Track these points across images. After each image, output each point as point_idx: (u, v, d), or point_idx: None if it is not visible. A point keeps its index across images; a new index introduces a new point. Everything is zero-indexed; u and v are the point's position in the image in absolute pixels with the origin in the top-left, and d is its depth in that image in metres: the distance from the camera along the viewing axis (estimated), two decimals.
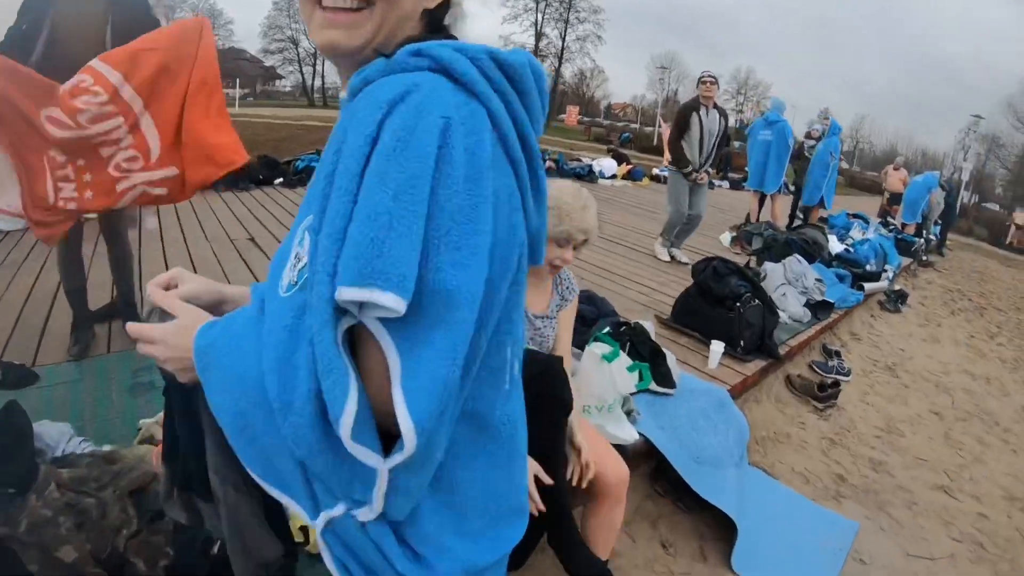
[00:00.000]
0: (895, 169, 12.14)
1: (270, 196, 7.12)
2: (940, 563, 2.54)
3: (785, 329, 4.27)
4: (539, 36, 50.94)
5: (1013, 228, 24.69)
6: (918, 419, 3.98)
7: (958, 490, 3.17)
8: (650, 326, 3.21)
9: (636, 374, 2.46)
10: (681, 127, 5.57)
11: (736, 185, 14.01)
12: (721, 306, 3.73)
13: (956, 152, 43.21)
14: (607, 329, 2.95)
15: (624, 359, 2.42)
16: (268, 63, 46.95)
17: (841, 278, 5.93)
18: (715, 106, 5.59)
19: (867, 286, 6.09)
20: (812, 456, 3.24)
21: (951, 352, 5.62)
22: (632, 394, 2.52)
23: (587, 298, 3.49)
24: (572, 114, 46.29)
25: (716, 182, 13.74)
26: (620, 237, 6.73)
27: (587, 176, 10.91)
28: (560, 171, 10.60)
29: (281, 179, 7.89)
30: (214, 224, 5.55)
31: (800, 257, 5.32)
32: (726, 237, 7.38)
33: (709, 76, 5.53)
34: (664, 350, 2.94)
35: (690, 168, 5.58)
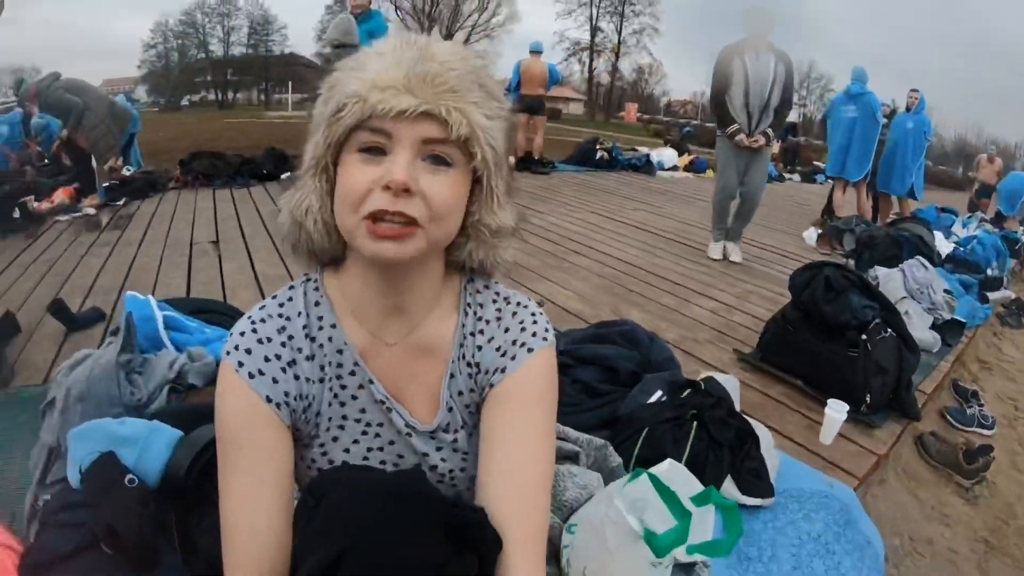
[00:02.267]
0: (989, 160, 10.92)
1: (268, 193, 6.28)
2: None
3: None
4: (594, 31, 49.94)
5: None
6: None
7: None
8: (732, 384, 2.03)
9: (710, 515, 1.20)
10: (720, 79, 4.29)
11: (808, 178, 12.67)
12: (837, 339, 2.44)
13: None
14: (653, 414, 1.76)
15: (702, 520, 1.17)
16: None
17: (967, 287, 4.44)
18: (770, 48, 4.24)
19: (991, 296, 4.63)
20: None
21: None
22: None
23: (624, 334, 2.26)
24: (631, 111, 45.08)
25: (787, 176, 12.42)
26: (678, 233, 5.48)
27: (643, 167, 9.83)
28: (614, 162, 9.71)
29: (289, 173, 7.21)
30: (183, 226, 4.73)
31: (924, 261, 3.94)
32: (811, 234, 6.02)
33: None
34: (756, 428, 1.73)
35: (735, 127, 4.27)
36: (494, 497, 0.80)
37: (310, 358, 0.83)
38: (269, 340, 0.81)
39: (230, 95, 59.26)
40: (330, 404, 0.85)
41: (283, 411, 0.81)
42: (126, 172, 7.44)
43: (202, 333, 2.08)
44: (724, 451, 1.66)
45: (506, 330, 0.87)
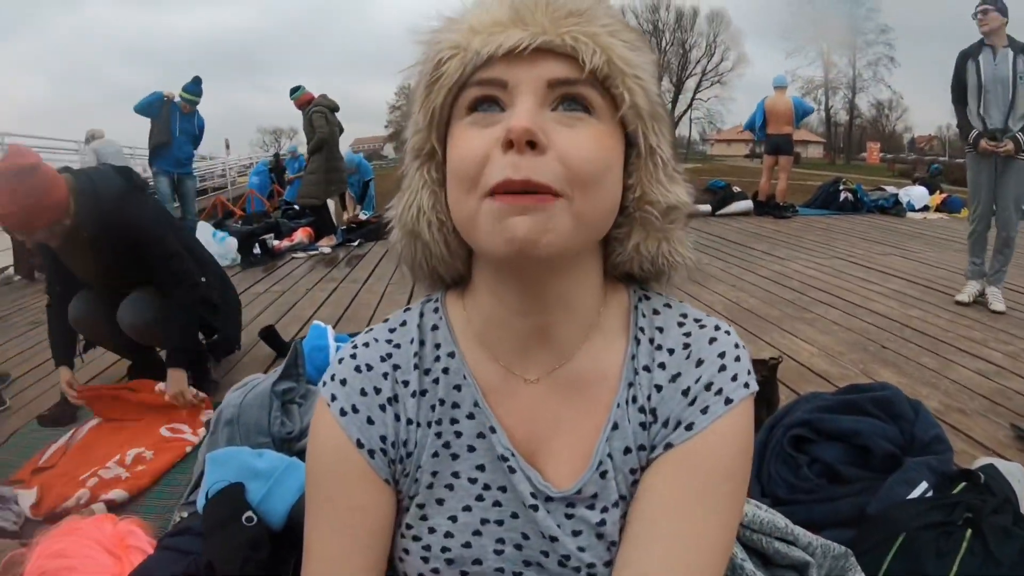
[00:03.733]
0: None
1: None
2: None
3: None
4: (827, 66, 47.21)
5: None
6: None
7: None
8: (1018, 476, 1.56)
9: None
10: (957, 86, 3.90)
11: None
12: None
13: None
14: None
15: None
16: None
17: None
18: (1009, 44, 3.74)
19: None
20: None
21: None
22: None
23: (880, 403, 1.73)
24: (873, 151, 42.74)
25: None
26: (934, 280, 4.71)
27: (892, 208, 8.95)
28: (859, 204, 8.98)
29: None
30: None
31: None
32: None
33: (983, 6, 3.74)
34: None
35: (974, 133, 3.77)
36: None
37: (417, 394, 0.65)
38: (369, 368, 0.65)
39: None
40: (436, 455, 0.65)
41: (377, 460, 0.64)
42: (362, 216, 8.07)
43: None
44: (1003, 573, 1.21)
45: (698, 364, 0.62)
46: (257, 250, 5.95)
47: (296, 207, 8.94)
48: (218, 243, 5.68)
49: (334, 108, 6.71)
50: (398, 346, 0.67)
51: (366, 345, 0.67)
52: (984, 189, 3.91)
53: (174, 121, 6.43)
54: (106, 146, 7.16)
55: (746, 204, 8.23)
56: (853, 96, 47.49)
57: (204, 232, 5.78)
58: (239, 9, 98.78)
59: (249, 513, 1.19)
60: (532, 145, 0.52)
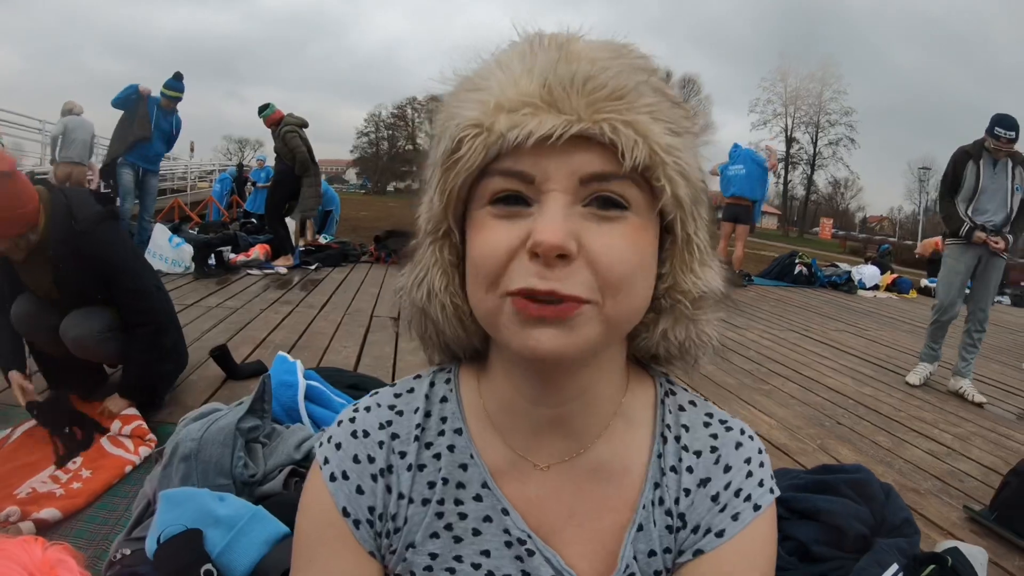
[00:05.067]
0: None
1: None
2: None
3: None
4: (789, 142, 49.30)
5: None
6: None
7: None
8: (981, 560, 1.68)
9: None
10: (950, 182, 3.99)
11: (1021, 302, 11.37)
12: None
13: None
14: None
15: None
16: None
17: None
18: (1014, 158, 3.87)
19: None
20: None
21: None
22: None
23: (854, 484, 1.74)
24: (826, 227, 44.09)
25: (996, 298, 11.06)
26: (886, 359, 4.89)
27: (844, 285, 9.34)
28: (813, 278, 9.34)
29: None
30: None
31: None
32: None
33: (1007, 134, 3.77)
34: None
35: (966, 225, 3.85)
36: None
37: (414, 468, 0.62)
38: (366, 435, 0.62)
39: None
40: (436, 535, 0.61)
41: (363, 531, 0.61)
42: (322, 240, 7.92)
43: None
44: None
45: (726, 469, 0.61)
46: (212, 261, 5.77)
47: (254, 220, 8.74)
48: (173, 248, 5.54)
49: (303, 125, 6.64)
50: (400, 414, 0.63)
51: (367, 409, 0.63)
52: (959, 282, 3.98)
53: (152, 116, 6.24)
54: (76, 123, 6.97)
55: None
56: (812, 172, 49.30)
57: (161, 235, 5.62)
58: (222, 13, 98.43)
59: (208, 566, 1.08)
60: (562, 256, 0.48)
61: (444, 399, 0.63)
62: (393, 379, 2.88)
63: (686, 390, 0.65)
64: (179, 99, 6.39)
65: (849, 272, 9.86)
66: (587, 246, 0.48)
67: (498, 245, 0.49)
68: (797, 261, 9.45)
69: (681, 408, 0.63)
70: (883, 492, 1.77)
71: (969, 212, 3.87)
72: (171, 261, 5.47)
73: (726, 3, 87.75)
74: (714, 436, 0.62)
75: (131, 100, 6.12)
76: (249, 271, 5.89)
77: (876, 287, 9.81)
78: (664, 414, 0.62)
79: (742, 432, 0.62)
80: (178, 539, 1.13)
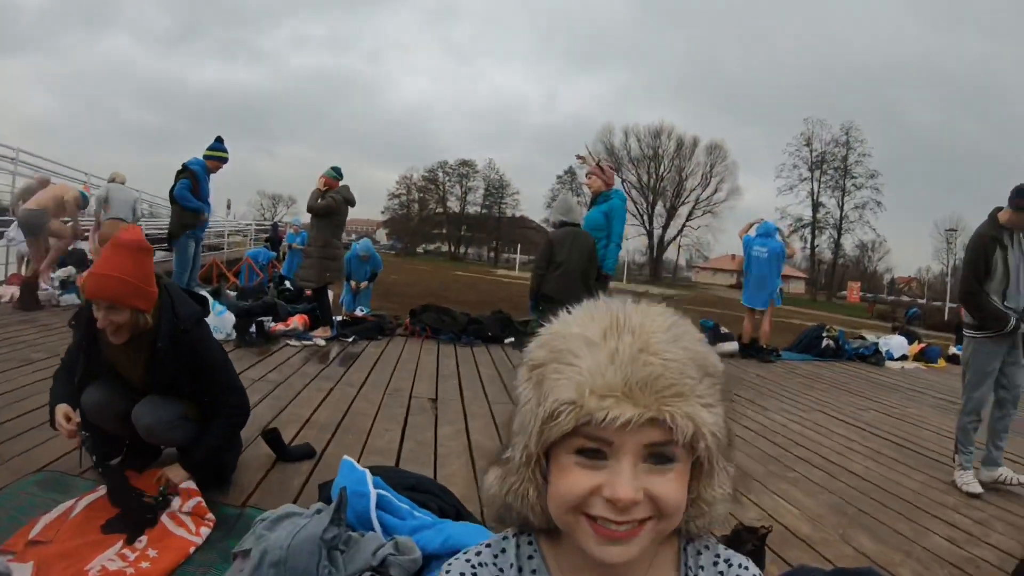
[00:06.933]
0: None
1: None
2: None
3: None
4: (816, 206, 49.16)
5: None
6: None
7: None
8: None
9: None
10: (977, 269, 3.71)
11: None
12: None
13: None
14: None
15: None
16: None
17: None
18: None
19: None
20: None
21: None
22: None
23: None
24: (853, 290, 43.57)
25: None
26: (910, 438, 4.87)
27: (872, 357, 9.25)
28: (841, 351, 9.24)
29: (512, 339, 7.58)
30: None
31: None
32: None
33: None
34: None
35: (1013, 320, 3.63)
36: None
37: None
38: None
39: (462, 248, 66.07)
40: None
41: None
42: (359, 312, 8.15)
43: (413, 518, 2.02)
44: None
45: None
46: (253, 330, 5.97)
47: (289, 287, 9.00)
48: (216, 316, 5.65)
49: (351, 201, 6.69)
50: (502, 571, 0.81)
51: (482, 565, 0.81)
52: (992, 380, 3.77)
53: (203, 184, 6.56)
54: (119, 192, 7.61)
55: (732, 346, 8.45)
56: (839, 236, 48.86)
57: None
58: (252, 68, 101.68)
59: None
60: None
61: (530, 557, 0.81)
62: (435, 465, 3.10)
63: (701, 536, 0.84)
64: (226, 160, 6.72)
65: (876, 344, 9.76)
66: (648, 488, 0.68)
67: (581, 485, 0.69)
68: (824, 335, 9.39)
69: (699, 552, 0.82)
70: None
71: (1006, 303, 3.67)
72: (213, 328, 5.62)
73: (746, 66, 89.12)
74: (721, 574, 0.81)
75: (188, 186, 6.45)
76: (289, 342, 6.08)
77: (904, 357, 9.72)
78: (687, 559, 0.81)
79: (740, 566, 0.82)
80: None
